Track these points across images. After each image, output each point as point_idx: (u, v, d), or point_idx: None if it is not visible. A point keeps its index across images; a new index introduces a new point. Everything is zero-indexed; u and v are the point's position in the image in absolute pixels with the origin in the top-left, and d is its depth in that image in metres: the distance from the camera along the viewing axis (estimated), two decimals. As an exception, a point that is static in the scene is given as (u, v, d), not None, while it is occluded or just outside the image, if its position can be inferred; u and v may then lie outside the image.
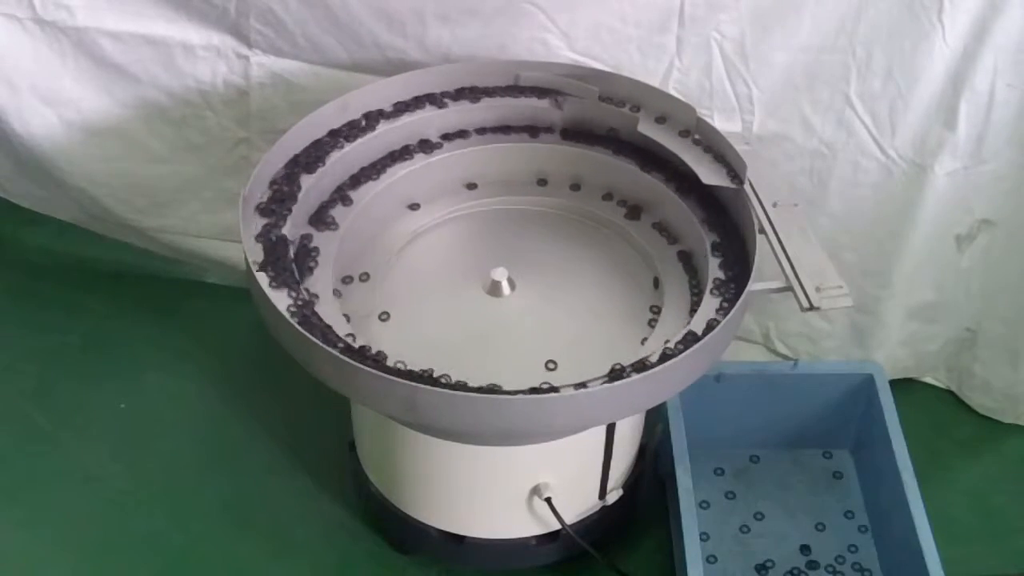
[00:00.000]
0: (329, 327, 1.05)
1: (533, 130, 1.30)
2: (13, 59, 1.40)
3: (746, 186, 1.17)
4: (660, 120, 1.26)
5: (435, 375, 1.04)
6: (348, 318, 1.11)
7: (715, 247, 1.16)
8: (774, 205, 1.15)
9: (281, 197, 1.16)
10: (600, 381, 1.03)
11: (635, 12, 1.27)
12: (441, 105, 1.28)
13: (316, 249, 1.16)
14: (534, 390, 1.02)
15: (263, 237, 1.11)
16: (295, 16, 1.33)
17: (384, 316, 1.15)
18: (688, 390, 1.09)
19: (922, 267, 1.40)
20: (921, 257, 1.39)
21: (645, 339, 1.13)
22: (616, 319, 1.17)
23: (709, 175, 1.19)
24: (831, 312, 1.39)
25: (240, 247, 1.10)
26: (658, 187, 1.24)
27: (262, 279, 1.06)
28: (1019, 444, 1.51)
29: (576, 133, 1.30)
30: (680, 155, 1.21)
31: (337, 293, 1.13)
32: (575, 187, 1.30)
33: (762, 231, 1.13)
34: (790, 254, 1.11)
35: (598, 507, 1.28)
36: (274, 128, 1.40)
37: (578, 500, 1.25)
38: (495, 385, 1.03)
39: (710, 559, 1.34)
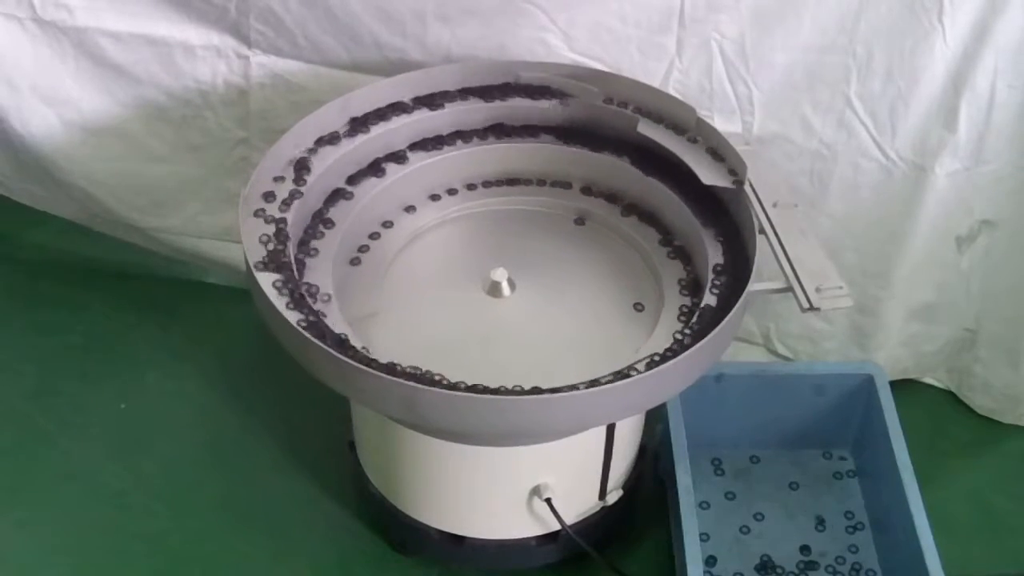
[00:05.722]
0: (329, 327, 1.05)
1: (533, 130, 1.30)
2: (13, 59, 1.40)
3: (746, 186, 1.17)
4: (660, 120, 1.26)
5: (435, 375, 1.04)
6: (348, 318, 1.11)
7: (715, 247, 1.16)
8: (774, 205, 1.15)
9: (281, 197, 1.16)
10: (600, 381, 1.03)
11: (635, 12, 1.27)
12: (441, 105, 1.28)
13: (316, 249, 1.16)
14: (534, 390, 1.02)
15: (263, 237, 1.11)
16: (295, 16, 1.33)
17: (384, 316, 1.15)
18: (688, 390, 1.09)
19: (922, 268, 1.40)
20: (921, 258, 1.39)
21: (645, 340, 1.13)
22: (616, 319, 1.17)
23: (709, 175, 1.19)
24: (831, 313, 1.39)
25: (240, 247, 1.10)
26: (658, 187, 1.24)
27: (262, 279, 1.06)
28: (1019, 444, 1.51)
29: (576, 133, 1.30)
30: (680, 155, 1.21)
31: (337, 293, 1.13)
32: (575, 187, 1.30)
33: (762, 231, 1.13)
34: (790, 254, 1.11)
35: (598, 507, 1.28)
36: (274, 128, 1.40)
37: (578, 500, 1.25)
38: (495, 385, 1.03)
39: (710, 560, 1.34)
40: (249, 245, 1.10)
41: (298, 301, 1.06)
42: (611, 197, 1.28)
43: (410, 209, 1.27)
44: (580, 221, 1.27)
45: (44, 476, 1.42)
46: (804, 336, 1.52)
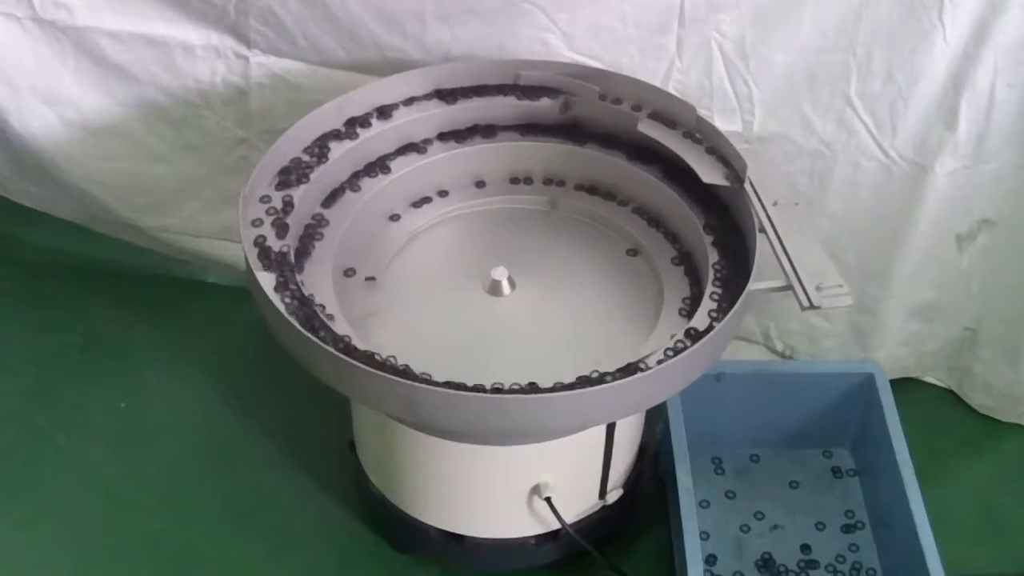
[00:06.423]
0: (329, 327, 1.05)
1: (533, 129, 1.30)
2: (13, 59, 1.40)
3: (746, 185, 1.17)
4: (660, 119, 1.26)
5: (435, 375, 1.04)
6: (348, 318, 1.11)
7: (715, 246, 1.16)
8: (774, 204, 1.15)
9: (281, 197, 1.16)
10: (600, 380, 1.03)
11: (635, 12, 1.27)
12: (440, 104, 1.28)
13: (316, 248, 1.16)
14: (534, 389, 1.02)
15: (263, 237, 1.11)
16: (294, 16, 1.33)
17: (384, 315, 1.15)
18: (688, 389, 1.09)
19: (922, 267, 1.40)
20: (921, 257, 1.39)
21: (645, 339, 1.13)
22: (616, 319, 1.17)
23: (709, 174, 1.19)
24: (831, 312, 1.39)
25: (240, 247, 1.10)
26: (658, 186, 1.24)
27: (262, 279, 1.06)
28: (1019, 443, 1.52)
29: (576, 132, 1.30)
30: (680, 154, 1.21)
31: (337, 292, 1.13)
32: (575, 186, 1.30)
33: (762, 230, 1.13)
34: (790, 253, 1.11)
35: (598, 507, 1.28)
36: (273, 128, 1.40)
37: (578, 500, 1.25)
38: (495, 385, 1.03)
39: (710, 559, 1.34)
40: (249, 245, 1.10)
41: (298, 301, 1.06)
42: (610, 196, 1.28)
43: (410, 208, 1.26)
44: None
45: (44, 476, 1.42)
46: (804, 335, 1.52)
